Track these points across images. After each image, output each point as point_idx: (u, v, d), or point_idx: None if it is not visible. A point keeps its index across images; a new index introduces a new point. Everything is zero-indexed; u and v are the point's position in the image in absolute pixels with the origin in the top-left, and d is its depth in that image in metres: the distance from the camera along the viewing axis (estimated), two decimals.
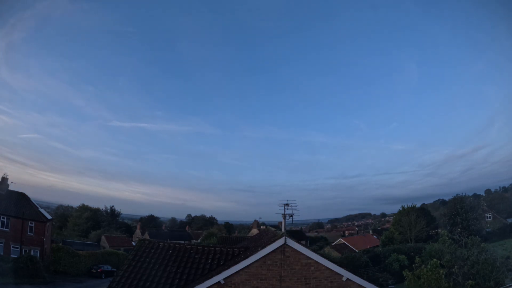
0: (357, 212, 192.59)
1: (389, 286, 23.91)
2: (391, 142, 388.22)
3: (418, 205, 51.69)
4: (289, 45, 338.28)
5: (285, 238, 8.73)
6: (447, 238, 20.13)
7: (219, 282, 8.42)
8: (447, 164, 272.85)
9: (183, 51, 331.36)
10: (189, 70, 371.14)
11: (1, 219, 28.47)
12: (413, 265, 16.60)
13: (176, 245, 11.20)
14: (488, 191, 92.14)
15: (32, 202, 33.91)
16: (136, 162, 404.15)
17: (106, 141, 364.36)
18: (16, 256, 27.12)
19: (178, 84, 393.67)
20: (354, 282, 8.69)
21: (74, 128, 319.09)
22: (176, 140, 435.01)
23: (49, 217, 35.20)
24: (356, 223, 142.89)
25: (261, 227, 47.92)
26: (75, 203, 78.60)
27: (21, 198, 32.82)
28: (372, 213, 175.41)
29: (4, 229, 28.43)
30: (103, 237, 52.42)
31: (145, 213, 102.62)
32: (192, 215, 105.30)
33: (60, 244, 37.53)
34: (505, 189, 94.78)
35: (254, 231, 47.87)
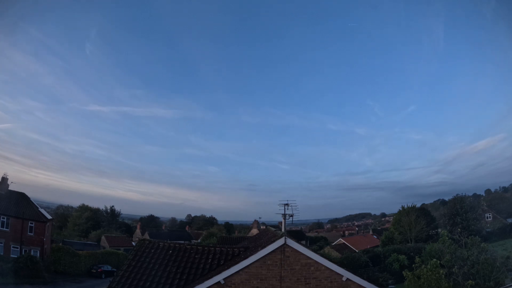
0: (357, 212, 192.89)
1: (389, 286, 23.90)
2: (407, 130, 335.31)
3: (418, 205, 51.77)
4: (296, 14, 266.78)
5: (285, 238, 8.73)
6: (447, 238, 20.07)
7: (219, 282, 8.42)
8: (460, 159, 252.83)
9: (163, 11, 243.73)
10: (172, 36, 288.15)
11: (1, 219, 28.46)
12: (413, 265, 16.57)
13: (176, 245, 11.20)
14: (488, 191, 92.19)
15: (32, 202, 33.91)
16: (125, 157, 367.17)
17: (87, 131, 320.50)
18: (16, 256, 27.10)
19: (159, 54, 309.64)
20: (354, 282, 8.69)
21: (49, 114, 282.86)
22: (163, 128, 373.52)
23: (49, 217, 35.19)
24: (356, 223, 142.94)
25: (261, 227, 47.89)
26: (75, 203, 78.65)
27: (21, 198, 32.83)
28: (372, 213, 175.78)
29: (4, 229, 28.42)
30: (103, 237, 52.39)
31: (145, 213, 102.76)
32: (192, 215, 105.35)
33: (60, 244, 37.52)
34: (505, 189, 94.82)
35: (254, 231, 47.83)
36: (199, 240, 57.65)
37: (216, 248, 11.09)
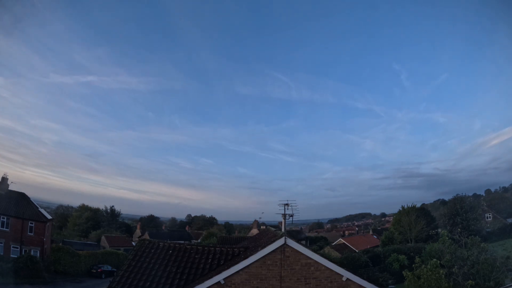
0: (357, 212, 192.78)
1: (389, 286, 23.88)
2: (433, 109, 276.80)
3: (418, 205, 51.73)
4: None
5: (285, 238, 8.73)
6: (447, 238, 20.10)
7: (219, 282, 8.42)
8: (480, 149, 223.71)
9: None
10: None
11: (1, 219, 28.45)
12: (413, 265, 16.59)
13: (176, 245, 11.20)
14: (488, 191, 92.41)
15: (32, 202, 33.90)
16: (109, 149, 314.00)
17: (57, 113, 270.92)
18: (16, 256, 27.11)
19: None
20: (354, 282, 8.69)
21: (12, 91, 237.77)
22: (139, 106, 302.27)
23: (49, 217, 35.18)
24: (356, 223, 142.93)
25: (261, 227, 47.92)
26: (75, 203, 78.69)
27: (21, 198, 32.81)
28: (372, 213, 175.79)
29: (4, 229, 28.41)
30: (103, 237, 52.41)
31: (145, 213, 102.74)
32: (192, 215, 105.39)
33: (60, 244, 37.52)
34: (505, 189, 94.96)
35: (254, 231, 47.85)
36: (199, 240, 57.64)
37: (216, 248, 11.08)
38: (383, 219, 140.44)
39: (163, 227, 71.08)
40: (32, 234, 30.17)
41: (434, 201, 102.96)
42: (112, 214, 72.18)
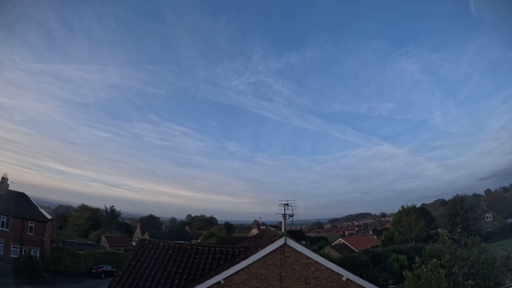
0: (357, 212, 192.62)
1: (389, 286, 23.90)
2: None
3: (418, 205, 51.79)
4: None
5: (285, 238, 8.73)
6: (447, 238, 20.08)
7: (219, 282, 8.42)
8: None
9: None
10: None
11: (1, 219, 28.45)
12: (413, 265, 16.56)
13: (176, 245, 11.19)
14: (488, 191, 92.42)
15: (32, 202, 33.90)
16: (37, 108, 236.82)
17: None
18: (16, 256, 27.10)
19: None
20: (354, 282, 8.69)
21: None
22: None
23: (49, 217, 35.17)
24: (356, 223, 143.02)
25: (261, 227, 47.93)
26: (75, 203, 78.63)
27: (21, 198, 32.81)
28: (372, 213, 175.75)
29: (4, 229, 28.41)
30: (103, 237, 52.42)
31: (145, 213, 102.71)
32: (192, 215, 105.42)
33: (60, 244, 37.49)
34: (505, 189, 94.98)
35: (254, 231, 47.87)
36: (199, 240, 57.62)
37: (216, 248, 11.08)
38: (383, 219, 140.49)
39: (163, 227, 71.14)
40: (32, 234, 30.16)
41: (434, 201, 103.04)
42: (112, 214, 72.17)
